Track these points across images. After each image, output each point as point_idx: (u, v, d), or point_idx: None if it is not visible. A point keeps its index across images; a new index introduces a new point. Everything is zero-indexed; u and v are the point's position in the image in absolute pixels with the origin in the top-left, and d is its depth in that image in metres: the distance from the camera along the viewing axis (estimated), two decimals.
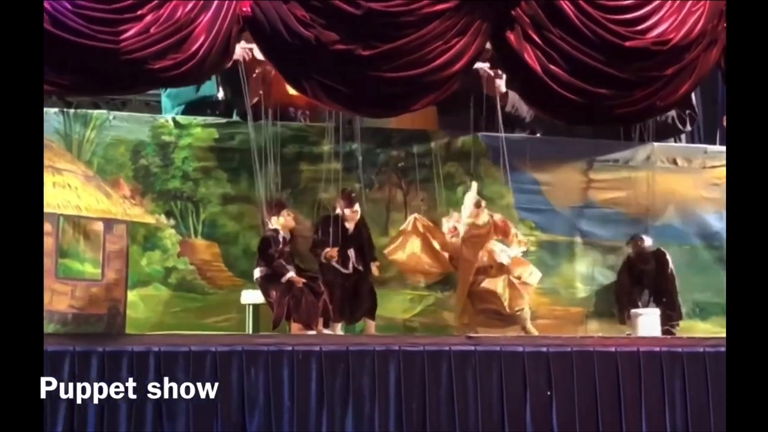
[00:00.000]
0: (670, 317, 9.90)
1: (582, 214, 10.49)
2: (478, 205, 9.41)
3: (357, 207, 9.40)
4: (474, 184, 9.60)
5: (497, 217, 9.56)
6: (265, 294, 8.92)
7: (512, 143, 10.22)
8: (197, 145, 9.71)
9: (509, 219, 9.80)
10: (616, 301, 10.13)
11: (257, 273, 8.99)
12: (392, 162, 10.13)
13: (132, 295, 8.96)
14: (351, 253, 9.31)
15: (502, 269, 9.40)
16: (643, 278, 10.02)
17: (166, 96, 10.12)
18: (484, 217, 9.41)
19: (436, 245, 9.54)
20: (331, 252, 9.14)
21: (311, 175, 9.83)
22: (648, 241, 10.07)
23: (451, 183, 10.21)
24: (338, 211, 9.38)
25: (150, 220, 9.39)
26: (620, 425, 8.80)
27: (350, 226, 9.38)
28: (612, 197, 10.60)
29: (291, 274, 8.86)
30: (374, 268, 9.40)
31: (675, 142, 11.07)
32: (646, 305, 9.92)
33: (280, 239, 9.00)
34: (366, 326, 9.31)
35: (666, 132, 10.80)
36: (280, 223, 9.07)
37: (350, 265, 9.29)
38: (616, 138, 10.70)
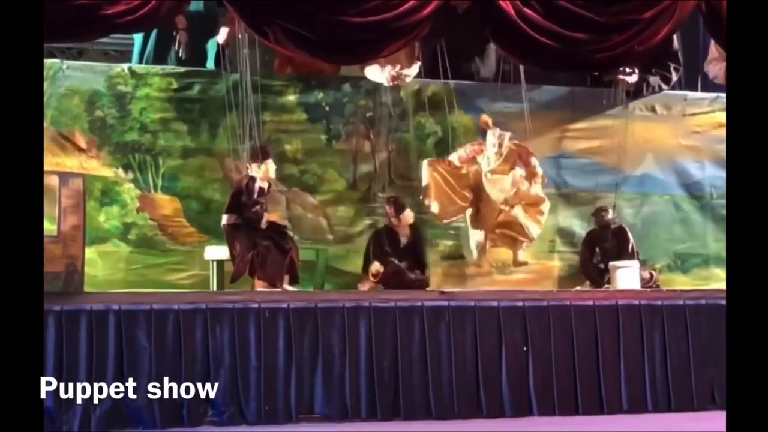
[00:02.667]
0: None
1: (557, 164, 10.46)
2: (501, 142, 9.46)
3: (408, 212, 9.35)
4: (489, 118, 9.65)
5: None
6: (230, 245, 8.78)
7: (486, 91, 10.22)
8: (155, 95, 9.58)
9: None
10: (582, 273, 10.13)
11: (225, 220, 8.81)
12: (360, 112, 10.05)
13: (90, 252, 8.86)
14: (403, 265, 9.26)
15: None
16: (603, 256, 9.96)
17: None
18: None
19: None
20: (377, 267, 9.13)
21: (274, 127, 9.74)
22: (610, 215, 10.01)
23: (422, 133, 10.14)
24: (394, 220, 9.34)
25: (107, 173, 9.33)
26: (598, 380, 8.80)
27: (404, 237, 9.35)
28: (588, 147, 10.57)
29: (266, 218, 8.76)
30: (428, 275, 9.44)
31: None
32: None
33: (257, 188, 8.83)
34: None
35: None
36: (261, 171, 8.91)
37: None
38: (592, 85, 10.67)
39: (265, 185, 8.94)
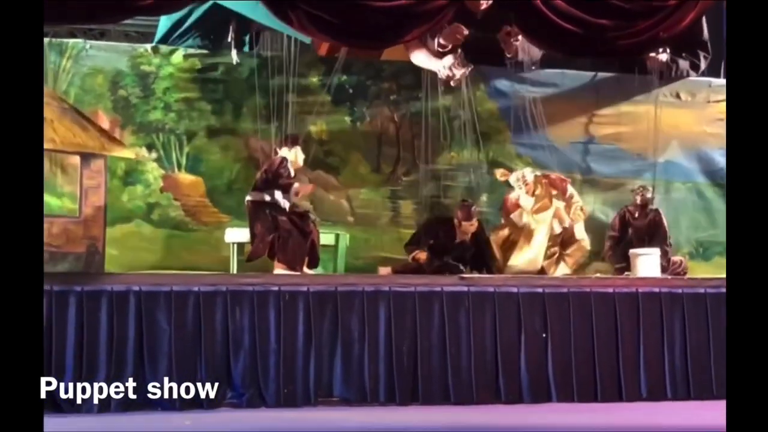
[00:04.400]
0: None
1: (582, 150, 10.46)
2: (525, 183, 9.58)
3: (475, 221, 9.31)
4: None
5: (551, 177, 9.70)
6: (251, 224, 8.76)
7: (511, 76, 10.20)
8: (179, 75, 9.64)
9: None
10: (609, 250, 10.10)
11: (250, 197, 8.76)
12: (384, 95, 10.07)
13: (112, 232, 8.94)
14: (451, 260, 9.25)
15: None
16: (635, 235, 9.93)
17: None
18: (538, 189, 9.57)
19: None
20: (419, 255, 9.14)
21: (299, 108, 9.74)
22: (649, 194, 9.97)
23: (447, 117, 10.14)
24: (456, 222, 9.30)
25: (130, 154, 9.37)
26: (617, 367, 8.78)
27: (463, 236, 9.30)
28: (613, 132, 10.56)
29: (297, 185, 8.76)
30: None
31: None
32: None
33: (286, 169, 8.78)
34: None
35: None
36: (291, 154, 8.88)
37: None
38: (618, 71, 10.63)
39: (293, 172, 8.92)
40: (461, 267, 9.13)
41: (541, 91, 10.19)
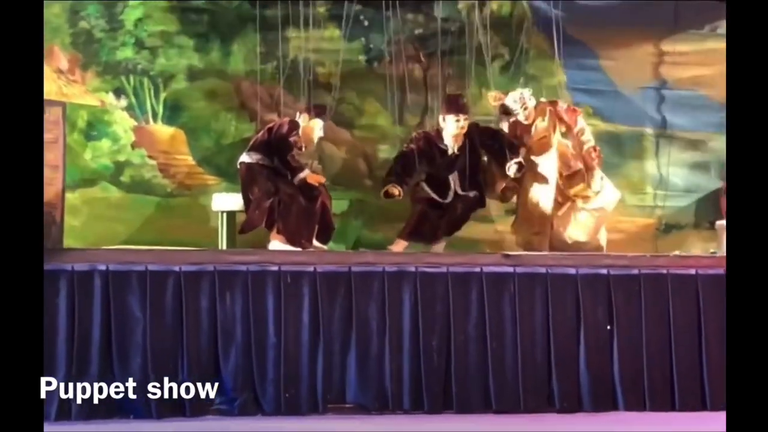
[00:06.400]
0: None
1: (654, 97, 10.45)
2: (525, 106, 9.33)
3: (464, 119, 9.17)
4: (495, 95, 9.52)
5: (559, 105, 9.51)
6: (245, 188, 8.79)
7: (566, 5, 10.17)
8: (154, 2, 9.62)
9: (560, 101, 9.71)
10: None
11: (246, 158, 8.76)
12: (408, 28, 10.06)
13: (72, 198, 8.93)
14: (453, 179, 9.19)
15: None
16: None
17: None
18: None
19: None
20: (391, 189, 9.03)
21: (302, 45, 9.71)
22: None
23: (485, 56, 10.01)
24: (441, 122, 9.21)
25: (94, 100, 9.37)
26: (700, 369, 8.75)
27: (453, 143, 9.18)
28: (693, 75, 10.56)
29: (307, 172, 8.75)
30: (513, 166, 9.15)
31: None
32: None
33: (295, 140, 8.77)
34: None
35: None
36: (305, 123, 8.88)
37: (450, 194, 9.20)
38: None
39: (302, 144, 8.90)
40: (451, 184, 9.12)
41: (601, 21, 10.17)
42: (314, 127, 8.93)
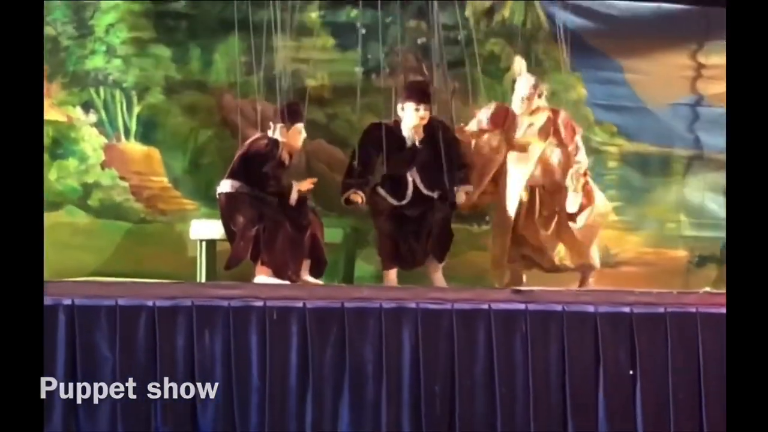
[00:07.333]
0: None
1: (687, 114, 10.49)
2: (531, 97, 9.29)
3: (424, 108, 9.15)
4: (521, 63, 9.49)
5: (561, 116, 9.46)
6: (227, 218, 8.79)
7: (585, 12, 10.22)
8: (127, 7, 9.64)
9: (578, 120, 9.70)
10: None
11: (225, 187, 8.79)
12: (410, 37, 10.08)
13: None
14: (412, 176, 9.17)
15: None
16: None
17: None
18: (540, 117, 9.32)
19: None
20: (353, 197, 9.04)
21: (292, 54, 9.75)
22: None
23: (495, 68, 10.16)
24: (399, 111, 9.20)
25: (59, 115, 9.41)
26: None
27: (412, 134, 9.18)
28: None
29: (295, 185, 8.78)
30: (462, 194, 9.22)
31: None
32: None
33: (277, 155, 8.80)
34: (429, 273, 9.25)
35: None
36: (285, 136, 8.90)
37: (408, 193, 9.15)
38: None
39: (287, 159, 8.92)
40: (409, 182, 9.10)
41: (626, 30, 10.24)
42: (298, 134, 8.97)
